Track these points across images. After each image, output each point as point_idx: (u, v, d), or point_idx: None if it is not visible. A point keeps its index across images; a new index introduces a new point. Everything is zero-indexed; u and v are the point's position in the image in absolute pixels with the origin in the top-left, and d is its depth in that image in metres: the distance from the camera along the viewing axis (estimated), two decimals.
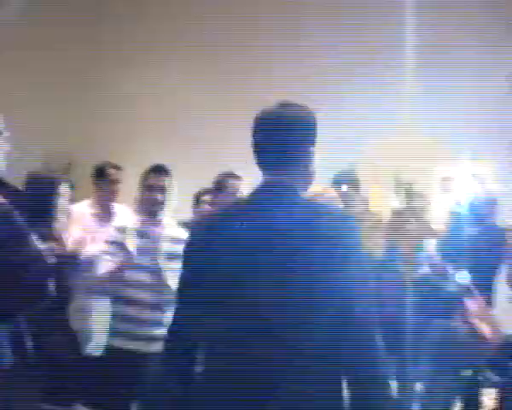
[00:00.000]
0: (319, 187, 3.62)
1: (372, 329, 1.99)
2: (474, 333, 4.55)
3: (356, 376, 1.98)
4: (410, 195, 5.80)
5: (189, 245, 2.22)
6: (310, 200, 2.27)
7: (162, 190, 3.84)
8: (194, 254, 2.16)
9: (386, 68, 8.49)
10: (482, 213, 5.24)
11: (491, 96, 8.15)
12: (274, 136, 2.12)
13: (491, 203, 5.36)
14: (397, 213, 5.52)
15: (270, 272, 2.00)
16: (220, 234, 2.10)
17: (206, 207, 5.18)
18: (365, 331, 1.98)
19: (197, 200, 5.75)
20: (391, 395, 2.04)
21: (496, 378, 4.94)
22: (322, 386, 1.97)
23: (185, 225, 4.36)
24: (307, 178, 2.19)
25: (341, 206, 3.70)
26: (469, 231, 5.13)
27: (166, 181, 3.87)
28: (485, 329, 4.54)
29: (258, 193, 2.15)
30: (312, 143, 2.18)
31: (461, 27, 8.30)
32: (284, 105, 2.16)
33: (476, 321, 4.55)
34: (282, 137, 2.11)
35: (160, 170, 3.87)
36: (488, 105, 8.14)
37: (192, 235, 2.29)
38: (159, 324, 3.74)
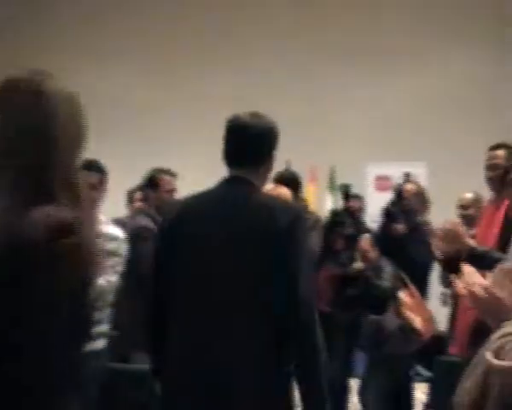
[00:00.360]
0: (271, 185, 3.85)
1: (312, 307, 2.32)
2: (406, 326, 4.62)
3: (299, 344, 2.33)
4: (347, 196, 5.87)
5: (161, 231, 2.62)
6: (267, 194, 2.68)
7: (92, 187, 3.74)
8: (166, 238, 2.49)
9: (320, 67, 8.56)
10: (412, 210, 5.33)
11: (424, 97, 8.32)
12: (246, 141, 2.45)
13: (422, 201, 5.44)
14: (334, 214, 5.61)
15: (231, 252, 2.34)
16: (190, 218, 2.45)
17: (138, 204, 5.12)
18: (307, 309, 2.30)
19: (131, 197, 5.68)
20: (326, 362, 2.39)
21: (426, 373, 5.03)
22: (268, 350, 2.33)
23: (119, 222, 4.29)
24: (266, 177, 2.57)
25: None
26: (399, 227, 5.24)
27: (98, 178, 3.77)
28: (417, 322, 4.61)
29: (224, 185, 2.48)
30: (275, 149, 2.54)
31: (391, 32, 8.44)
32: (255, 116, 2.50)
33: (409, 314, 4.62)
34: (253, 143, 2.46)
35: (90, 167, 3.77)
36: (422, 105, 8.30)
37: (164, 221, 2.63)
38: None
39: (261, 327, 2.30)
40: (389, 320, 4.64)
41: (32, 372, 1.47)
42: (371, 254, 4.92)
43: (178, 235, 2.43)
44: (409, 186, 5.67)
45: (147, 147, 8.52)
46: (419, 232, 5.15)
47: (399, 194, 5.55)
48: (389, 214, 5.34)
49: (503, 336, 1.82)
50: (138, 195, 5.17)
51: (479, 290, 1.98)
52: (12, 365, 1.46)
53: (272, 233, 2.29)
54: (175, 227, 2.46)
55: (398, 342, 4.60)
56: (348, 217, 5.45)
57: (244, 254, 2.32)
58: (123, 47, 9.10)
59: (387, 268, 4.81)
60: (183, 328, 2.36)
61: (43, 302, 1.47)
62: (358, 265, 4.97)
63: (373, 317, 4.73)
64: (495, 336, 1.85)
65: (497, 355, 1.77)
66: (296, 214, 2.39)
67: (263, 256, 2.30)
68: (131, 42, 9.09)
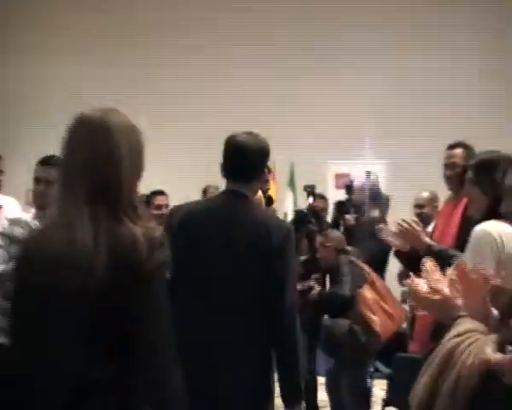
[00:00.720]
0: None
1: (295, 314, 2.59)
2: (358, 329, 4.64)
3: (281, 344, 2.58)
4: (313, 196, 5.90)
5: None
6: (260, 209, 2.98)
7: (49, 182, 3.65)
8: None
9: (282, 65, 8.56)
10: (361, 204, 5.42)
11: (384, 99, 8.35)
12: (244, 160, 2.69)
13: (375, 197, 5.50)
14: (299, 213, 5.63)
15: (230, 257, 2.55)
16: (192, 224, 2.65)
17: None
18: (290, 316, 2.56)
19: None
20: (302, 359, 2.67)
21: (386, 369, 5.06)
22: (256, 350, 2.56)
23: None
24: (257, 190, 2.87)
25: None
26: (347, 217, 5.35)
27: (54, 174, 3.67)
28: (376, 323, 4.61)
29: (222, 197, 2.74)
30: (266, 165, 2.82)
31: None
32: (251, 135, 2.75)
33: (369, 315, 4.61)
34: (250, 162, 2.70)
35: (47, 162, 3.68)
36: (382, 106, 8.34)
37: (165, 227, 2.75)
38: None
39: (261, 335, 2.53)
40: (341, 324, 4.69)
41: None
42: (325, 251, 4.96)
43: (181, 238, 2.58)
44: (358, 182, 5.82)
45: None
46: (368, 227, 5.19)
47: (349, 189, 5.73)
48: (340, 207, 5.49)
49: (459, 334, 1.84)
50: None
51: (423, 290, 1.99)
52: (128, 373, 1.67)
53: (267, 248, 2.53)
54: (178, 231, 2.62)
55: (349, 345, 4.65)
56: (313, 217, 5.52)
57: (243, 262, 2.53)
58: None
59: (345, 269, 4.83)
60: (183, 330, 2.44)
61: (152, 314, 1.68)
62: (314, 292, 5.02)
63: (326, 320, 4.78)
64: (451, 333, 1.86)
65: (451, 353, 1.79)
66: (287, 232, 2.64)
67: (262, 265, 2.52)
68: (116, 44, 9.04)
